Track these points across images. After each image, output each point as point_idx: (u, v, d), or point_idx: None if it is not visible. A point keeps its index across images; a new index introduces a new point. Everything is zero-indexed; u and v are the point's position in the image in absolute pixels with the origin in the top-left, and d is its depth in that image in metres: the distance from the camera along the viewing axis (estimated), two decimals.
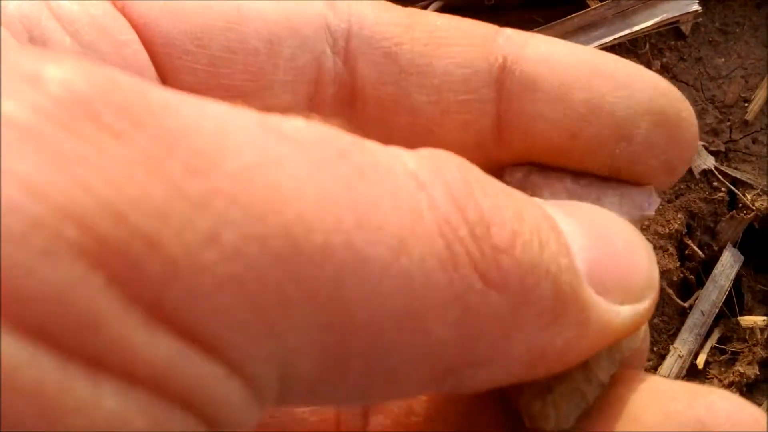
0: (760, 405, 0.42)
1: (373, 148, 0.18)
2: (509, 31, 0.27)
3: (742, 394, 0.43)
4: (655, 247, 0.44)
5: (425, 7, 0.47)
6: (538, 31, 0.48)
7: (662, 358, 0.44)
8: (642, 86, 0.26)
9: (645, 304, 0.22)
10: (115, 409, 0.14)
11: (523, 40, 0.27)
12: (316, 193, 0.16)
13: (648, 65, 0.50)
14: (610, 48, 0.48)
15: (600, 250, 0.22)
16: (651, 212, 0.26)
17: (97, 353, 0.14)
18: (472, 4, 0.49)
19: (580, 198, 0.26)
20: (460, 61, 0.27)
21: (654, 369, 0.44)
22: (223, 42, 0.26)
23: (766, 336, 0.44)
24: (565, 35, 0.48)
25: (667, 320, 0.46)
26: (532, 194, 0.25)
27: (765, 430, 0.21)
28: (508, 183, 0.25)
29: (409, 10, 0.28)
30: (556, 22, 0.48)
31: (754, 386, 0.43)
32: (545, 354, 0.20)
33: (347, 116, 0.28)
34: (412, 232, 0.17)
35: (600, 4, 0.49)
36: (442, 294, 0.17)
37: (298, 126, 0.17)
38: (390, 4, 0.28)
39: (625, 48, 0.49)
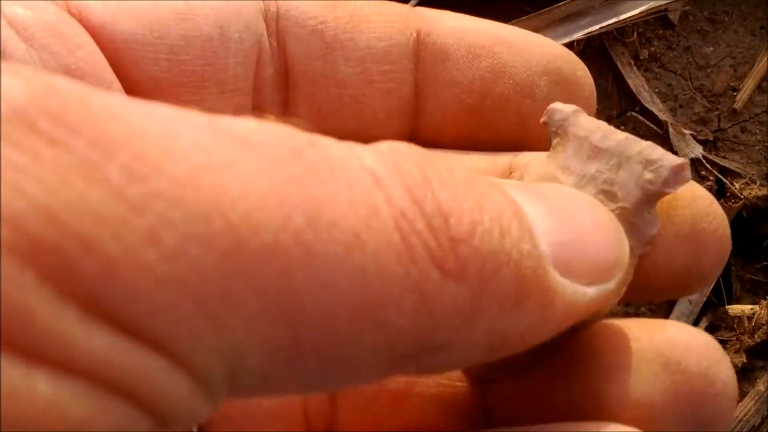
0: (746, 393, 0.42)
1: (328, 145, 0.19)
2: (423, 9, 0.30)
3: None
4: None
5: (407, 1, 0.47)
6: (525, 20, 0.48)
7: None
8: (539, 51, 0.30)
9: (612, 284, 0.23)
10: (49, 396, 0.14)
11: (435, 16, 0.30)
12: (265, 193, 0.16)
13: (636, 54, 0.50)
14: (597, 36, 0.48)
15: (566, 232, 0.22)
16: (673, 189, 0.25)
17: (30, 344, 0.14)
18: None
19: (600, 156, 0.26)
20: (380, 35, 0.30)
21: None
22: (179, 31, 0.27)
23: (753, 324, 0.44)
24: (552, 24, 0.48)
25: (655, 309, 0.46)
26: (560, 141, 0.26)
27: (717, 353, 0.24)
28: (546, 123, 0.27)
29: None
30: (543, 10, 0.48)
31: (742, 374, 0.43)
32: (507, 337, 0.20)
33: (284, 92, 0.30)
34: (367, 227, 0.17)
35: None
36: (399, 285, 0.18)
37: (251, 127, 0.18)
38: None
39: (612, 37, 0.49)
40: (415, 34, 0.30)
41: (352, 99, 0.30)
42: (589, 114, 0.28)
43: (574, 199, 0.24)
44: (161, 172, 0.15)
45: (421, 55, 0.30)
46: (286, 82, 0.30)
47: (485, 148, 0.31)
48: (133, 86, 0.27)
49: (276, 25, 0.29)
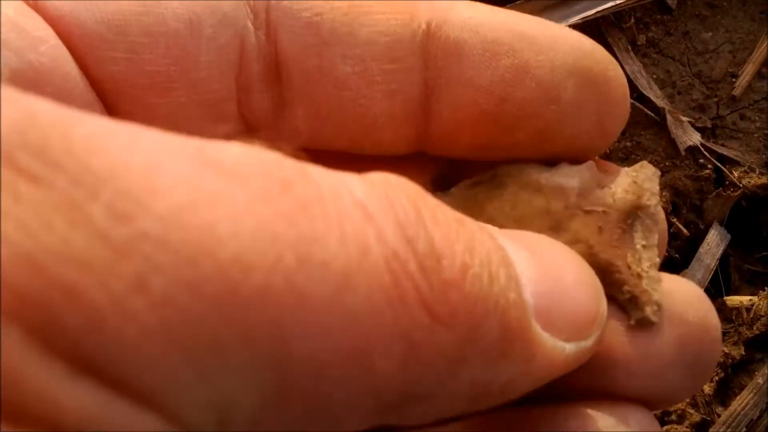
0: (744, 385, 0.41)
1: (318, 176, 0.18)
2: (432, 1, 0.27)
3: (728, 374, 0.42)
4: None
5: None
6: (520, 4, 0.46)
7: None
8: (565, 48, 0.26)
9: (590, 342, 0.22)
10: None
11: (446, 5, 0.27)
12: (255, 231, 0.16)
13: (633, 40, 0.49)
14: (593, 21, 0.47)
15: (549, 284, 0.22)
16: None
17: (18, 405, 0.13)
18: None
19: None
20: (382, 29, 0.27)
21: None
22: (142, 27, 0.25)
23: (752, 316, 0.43)
24: (547, 8, 0.47)
25: None
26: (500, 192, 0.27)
27: (707, 301, 0.25)
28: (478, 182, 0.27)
29: None
30: None
31: (740, 367, 0.42)
32: (489, 389, 0.20)
33: (276, 91, 0.27)
34: (358, 267, 0.17)
35: None
36: (389, 330, 0.17)
37: (238, 156, 0.17)
38: None
39: (609, 22, 0.48)
40: (424, 27, 0.27)
41: (352, 101, 0.27)
42: (621, 120, 0.27)
43: (557, 250, 0.23)
44: (146, 211, 0.15)
45: (432, 51, 0.27)
46: (278, 80, 0.27)
47: (501, 158, 0.28)
48: (95, 85, 0.25)
49: (266, 15, 0.27)
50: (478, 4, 0.27)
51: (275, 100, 0.28)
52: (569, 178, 0.27)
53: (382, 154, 0.28)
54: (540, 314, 0.21)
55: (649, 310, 0.25)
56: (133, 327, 0.14)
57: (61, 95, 0.24)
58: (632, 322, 0.26)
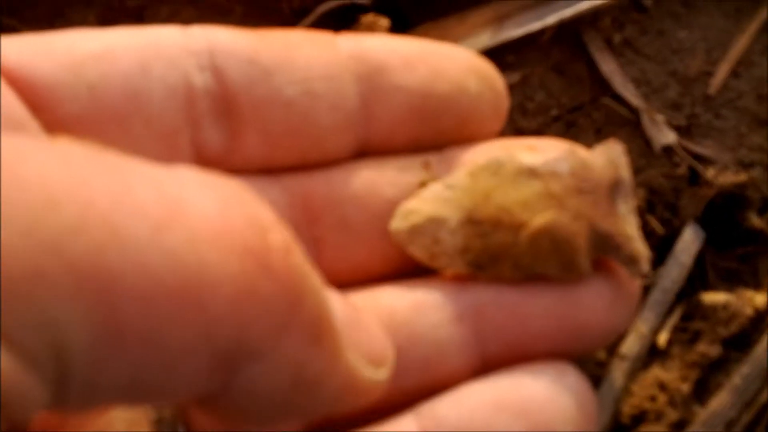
0: (722, 385, 0.42)
1: (135, 161, 0.20)
2: (347, 34, 0.33)
3: (705, 373, 0.43)
4: None
5: None
6: (497, 2, 0.47)
7: (623, 335, 0.44)
8: (462, 54, 0.34)
9: (382, 374, 0.25)
10: None
11: (360, 38, 0.33)
12: (66, 179, 0.17)
13: (609, 39, 0.49)
14: (569, 21, 0.47)
15: (350, 312, 0.24)
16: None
17: None
18: None
19: None
20: (315, 54, 0.32)
21: (614, 347, 0.43)
22: (98, 69, 0.29)
23: (729, 314, 0.43)
24: (524, 7, 0.47)
25: None
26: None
27: None
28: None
29: (255, 30, 0.33)
30: None
31: (717, 366, 0.43)
32: (304, 375, 0.22)
33: (226, 124, 0.31)
34: (174, 215, 0.19)
35: None
36: (216, 271, 0.19)
37: (60, 141, 0.19)
38: (235, 27, 0.32)
39: (585, 21, 0.48)
40: (347, 50, 0.32)
41: (299, 117, 0.31)
42: (507, 106, 0.36)
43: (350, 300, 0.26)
44: None
45: (359, 69, 0.32)
46: (228, 113, 0.31)
47: (431, 148, 0.34)
48: (56, 125, 0.28)
49: (210, 58, 0.30)
50: (386, 35, 0.36)
51: (226, 132, 0.31)
52: (559, 162, 0.32)
53: (327, 162, 0.33)
54: (346, 335, 0.23)
55: (644, 265, 0.32)
56: None
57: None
58: (632, 276, 0.32)
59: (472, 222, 0.31)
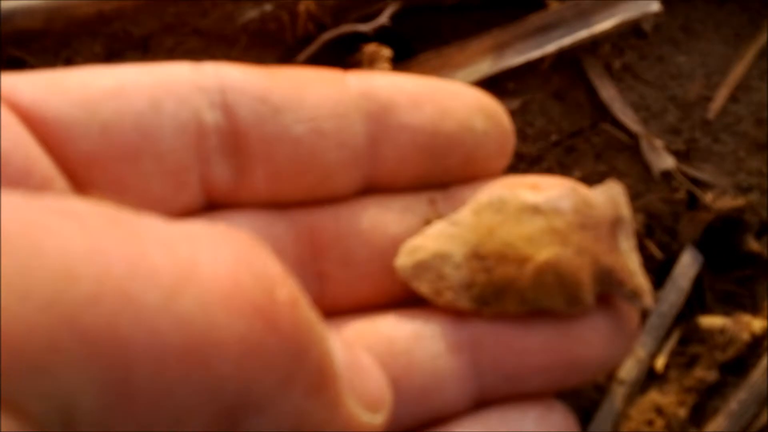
0: (718, 410, 0.42)
1: (151, 219, 0.21)
2: (356, 73, 0.34)
3: (702, 398, 0.43)
4: None
5: (381, 10, 0.47)
6: (497, 31, 0.47)
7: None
8: (468, 92, 0.35)
9: (380, 418, 0.26)
10: None
11: (368, 76, 0.34)
12: (84, 249, 0.18)
13: (608, 65, 0.49)
14: (570, 50, 0.48)
15: (352, 357, 0.25)
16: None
17: None
18: (431, 4, 0.49)
19: None
20: (325, 92, 0.32)
21: (612, 372, 0.44)
22: (111, 107, 0.29)
23: (726, 339, 0.44)
24: (524, 35, 0.48)
25: None
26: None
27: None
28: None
29: (267, 68, 0.33)
30: (515, 22, 0.48)
31: (715, 390, 0.43)
32: (304, 425, 0.22)
33: (235, 160, 0.32)
34: (188, 277, 0.19)
35: (560, 4, 0.48)
36: (223, 333, 0.19)
37: (76, 203, 0.20)
38: (246, 65, 0.33)
39: (585, 48, 0.49)
40: (357, 89, 0.33)
41: (307, 154, 0.32)
42: (513, 143, 0.36)
43: (354, 344, 0.27)
44: None
45: (367, 108, 0.33)
46: (237, 150, 0.31)
47: (436, 185, 0.35)
48: (67, 161, 0.29)
49: (221, 97, 0.31)
50: (394, 74, 0.35)
51: (234, 168, 0.32)
52: (562, 199, 0.32)
53: (333, 198, 0.33)
54: (346, 381, 0.24)
55: (647, 299, 0.33)
56: None
57: (20, 173, 0.27)
58: (636, 310, 0.34)
59: (477, 257, 0.32)
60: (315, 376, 0.22)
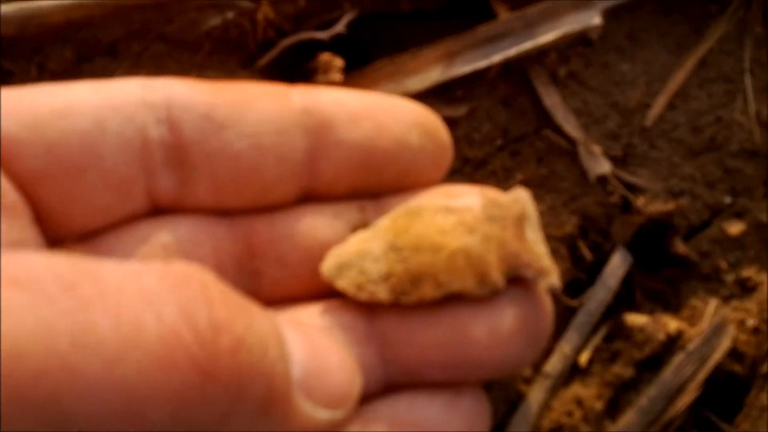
0: (631, 403, 0.46)
1: (108, 273, 0.23)
2: (301, 87, 0.35)
3: (618, 392, 0.47)
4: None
5: (339, 17, 0.49)
6: (448, 40, 0.50)
7: (548, 355, 0.48)
8: (407, 109, 0.36)
9: (341, 413, 0.29)
10: None
11: (313, 91, 0.35)
12: (32, 327, 0.20)
13: (554, 73, 0.52)
14: (516, 59, 0.51)
15: (315, 363, 0.28)
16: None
17: None
18: (388, 13, 0.51)
19: None
20: (267, 109, 0.34)
21: (539, 366, 0.47)
22: (57, 128, 0.31)
23: (645, 337, 0.47)
24: (473, 45, 0.50)
25: (557, 319, 0.50)
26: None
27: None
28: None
29: (214, 83, 0.34)
30: (465, 32, 0.51)
31: (629, 386, 0.47)
32: None
33: (178, 174, 0.33)
34: (131, 344, 0.21)
35: (510, 14, 0.51)
36: (159, 391, 0.21)
37: (33, 265, 0.21)
38: (195, 80, 0.34)
39: (531, 57, 0.52)
40: (299, 105, 0.35)
41: (248, 168, 0.34)
42: (449, 158, 0.38)
43: (326, 338, 0.30)
44: None
45: (308, 124, 0.35)
46: (181, 163, 0.33)
47: (371, 195, 0.37)
48: (16, 177, 0.30)
49: (167, 113, 0.33)
50: (339, 89, 0.36)
51: (178, 180, 0.34)
52: (471, 199, 0.36)
53: (272, 207, 0.35)
54: (304, 385, 0.27)
55: (554, 277, 0.35)
56: None
57: None
58: (543, 287, 0.36)
59: (394, 249, 0.34)
60: (260, 401, 0.24)
